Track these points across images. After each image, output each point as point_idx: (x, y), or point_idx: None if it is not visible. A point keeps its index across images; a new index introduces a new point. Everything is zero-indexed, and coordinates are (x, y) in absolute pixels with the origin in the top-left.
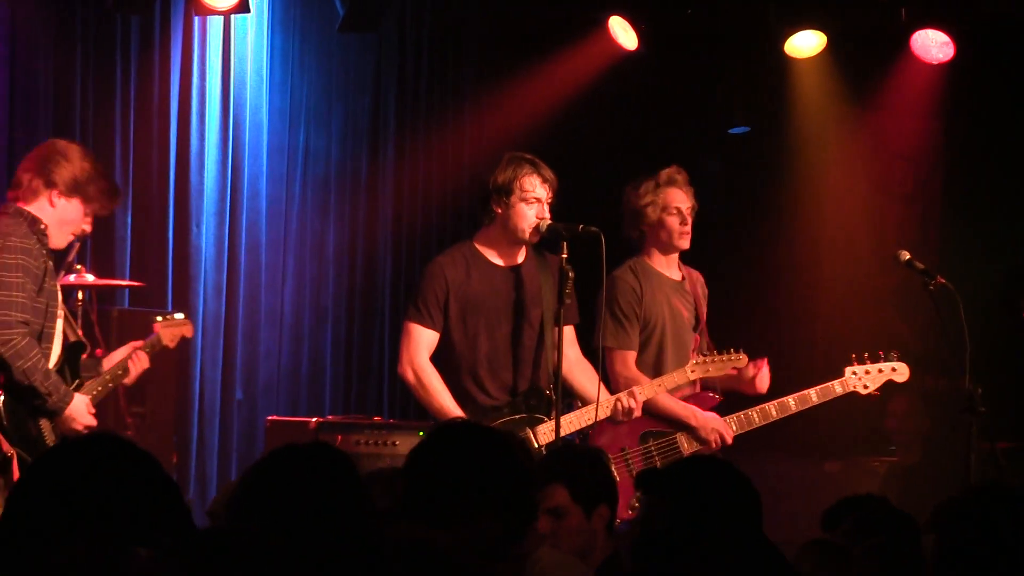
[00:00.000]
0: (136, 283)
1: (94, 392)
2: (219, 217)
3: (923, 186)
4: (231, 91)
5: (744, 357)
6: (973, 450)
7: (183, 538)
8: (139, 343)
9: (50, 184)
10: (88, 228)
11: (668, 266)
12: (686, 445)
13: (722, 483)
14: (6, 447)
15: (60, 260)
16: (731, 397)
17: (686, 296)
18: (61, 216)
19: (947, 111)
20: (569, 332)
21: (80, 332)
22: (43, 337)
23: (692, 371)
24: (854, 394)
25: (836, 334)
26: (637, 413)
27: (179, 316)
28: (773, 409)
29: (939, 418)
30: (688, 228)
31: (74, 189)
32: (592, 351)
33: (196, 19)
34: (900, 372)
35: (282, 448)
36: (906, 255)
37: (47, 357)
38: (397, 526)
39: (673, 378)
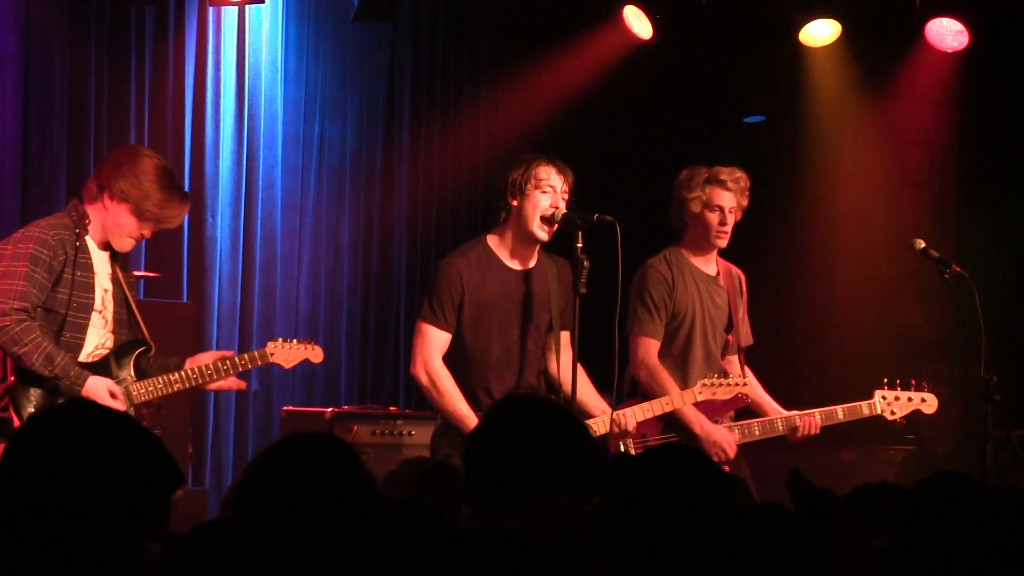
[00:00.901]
0: (151, 274)
1: (151, 388)
2: (234, 208)
3: (938, 174)
4: (246, 82)
5: (748, 382)
6: (989, 438)
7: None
8: (228, 353)
9: (103, 188)
10: (147, 234)
11: (704, 260)
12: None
13: (691, 471)
14: (15, 419)
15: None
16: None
17: (720, 292)
18: (114, 221)
19: (962, 99)
20: (566, 336)
21: (145, 331)
22: (67, 326)
23: (700, 393)
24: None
25: (852, 322)
26: (630, 430)
27: (302, 345)
28: (797, 420)
29: (968, 407)
30: (727, 228)
31: (124, 199)
32: (603, 339)
33: (211, 9)
34: (929, 404)
35: (286, 438)
36: (921, 243)
37: (73, 346)
38: (463, 519)
39: (681, 398)
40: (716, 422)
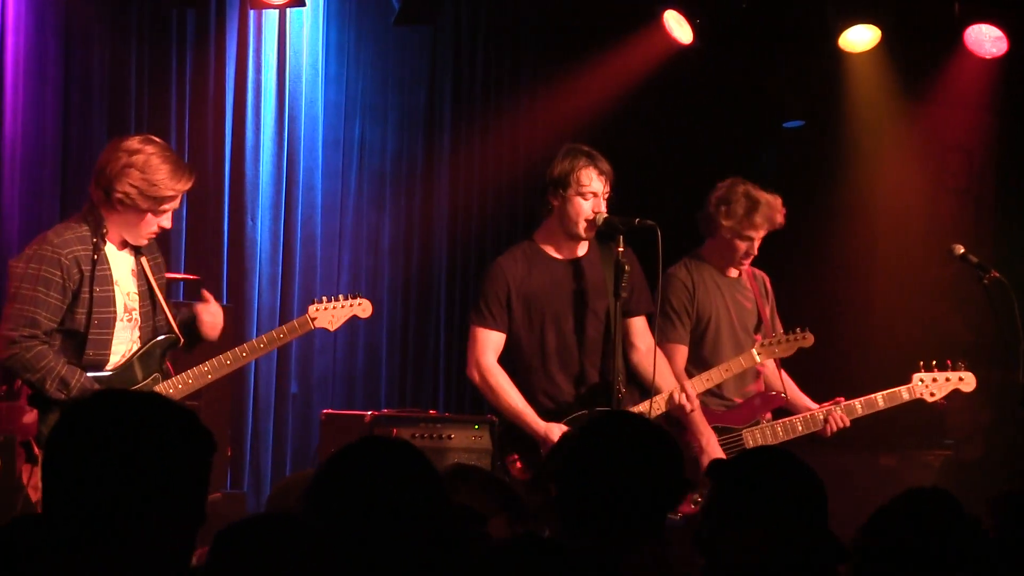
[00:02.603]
0: (191, 276)
1: (181, 386)
2: (274, 210)
3: (977, 180)
4: (286, 85)
5: (811, 336)
6: None
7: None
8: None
9: (110, 191)
10: (167, 224)
11: (723, 268)
12: (751, 443)
13: (787, 473)
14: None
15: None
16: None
17: (746, 292)
18: (127, 221)
19: (1000, 105)
20: (641, 322)
21: (173, 322)
22: (90, 345)
23: (759, 354)
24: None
25: (891, 327)
26: (689, 407)
27: (347, 302)
28: (838, 410)
29: (1000, 412)
30: (751, 258)
31: (131, 201)
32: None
33: (251, 12)
34: (967, 382)
35: (360, 441)
36: (961, 249)
37: (97, 363)
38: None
39: (739, 362)
40: (756, 423)
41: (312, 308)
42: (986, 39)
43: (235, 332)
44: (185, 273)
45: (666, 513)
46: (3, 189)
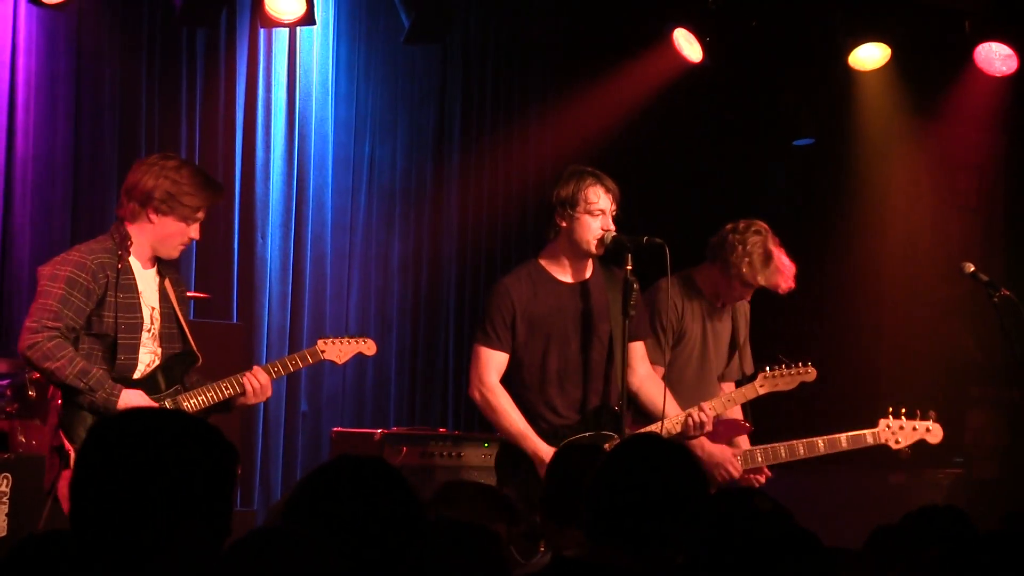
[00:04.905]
0: (201, 295)
1: (203, 398)
2: (284, 228)
3: (987, 198)
4: (296, 103)
5: (814, 371)
6: None
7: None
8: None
9: (145, 204)
10: (196, 235)
11: (712, 297)
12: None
13: (666, 461)
14: (67, 444)
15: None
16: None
17: (724, 321)
18: (162, 232)
19: (1010, 123)
20: (639, 347)
21: (193, 344)
22: (120, 349)
23: (761, 386)
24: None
25: (900, 345)
26: (708, 427)
27: (354, 340)
28: (801, 447)
29: (1016, 430)
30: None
31: (167, 207)
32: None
33: (262, 31)
34: (934, 433)
35: (335, 459)
36: (971, 267)
37: (127, 367)
38: (580, 550)
39: (743, 393)
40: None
41: (321, 341)
42: (996, 57)
43: (245, 350)
44: (196, 291)
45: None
46: (14, 206)
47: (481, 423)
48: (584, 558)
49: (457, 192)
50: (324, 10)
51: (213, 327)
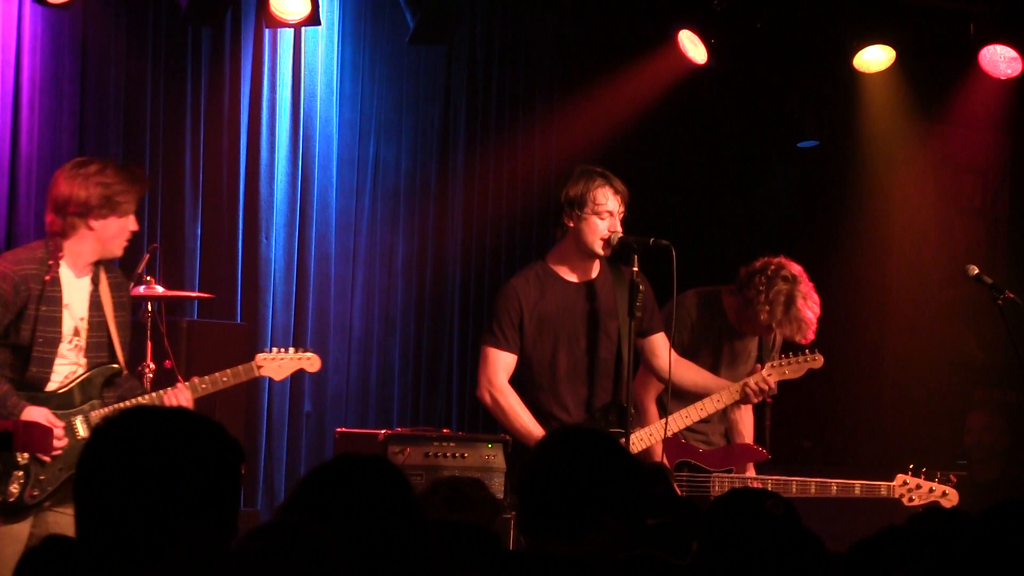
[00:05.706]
0: (205, 295)
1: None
2: (288, 228)
3: (991, 200)
4: (301, 103)
5: (820, 357)
6: None
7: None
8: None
9: (84, 215)
10: (135, 227)
11: (737, 323)
12: (718, 488)
13: (596, 453)
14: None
15: (129, 272)
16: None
17: (743, 338)
18: (104, 234)
19: (1015, 126)
20: (661, 338)
21: (120, 356)
22: (33, 361)
23: (768, 374)
24: (928, 413)
25: (904, 347)
26: (774, 390)
27: (296, 355)
28: (812, 486)
29: (1018, 433)
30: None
31: (107, 210)
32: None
33: (267, 31)
34: (950, 498)
35: (336, 458)
36: (975, 269)
37: (39, 379)
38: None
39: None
40: (729, 470)
41: (259, 356)
42: (1001, 60)
43: (249, 351)
44: (199, 291)
45: (635, 523)
46: (19, 206)
47: (485, 423)
48: (525, 551)
49: (462, 193)
50: (329, 10)
51: (217, 327)
